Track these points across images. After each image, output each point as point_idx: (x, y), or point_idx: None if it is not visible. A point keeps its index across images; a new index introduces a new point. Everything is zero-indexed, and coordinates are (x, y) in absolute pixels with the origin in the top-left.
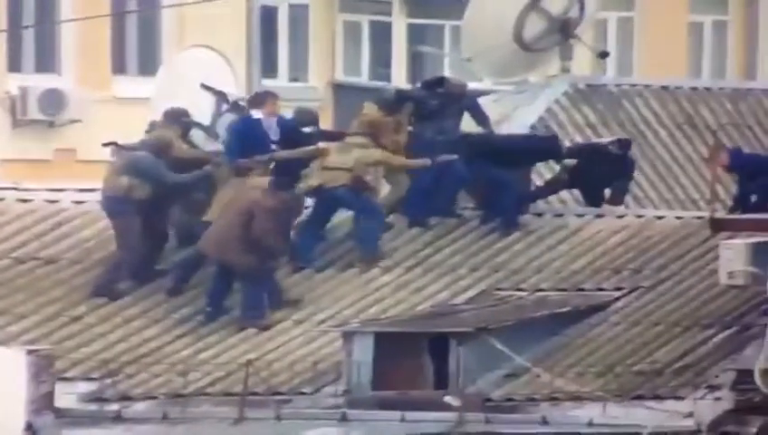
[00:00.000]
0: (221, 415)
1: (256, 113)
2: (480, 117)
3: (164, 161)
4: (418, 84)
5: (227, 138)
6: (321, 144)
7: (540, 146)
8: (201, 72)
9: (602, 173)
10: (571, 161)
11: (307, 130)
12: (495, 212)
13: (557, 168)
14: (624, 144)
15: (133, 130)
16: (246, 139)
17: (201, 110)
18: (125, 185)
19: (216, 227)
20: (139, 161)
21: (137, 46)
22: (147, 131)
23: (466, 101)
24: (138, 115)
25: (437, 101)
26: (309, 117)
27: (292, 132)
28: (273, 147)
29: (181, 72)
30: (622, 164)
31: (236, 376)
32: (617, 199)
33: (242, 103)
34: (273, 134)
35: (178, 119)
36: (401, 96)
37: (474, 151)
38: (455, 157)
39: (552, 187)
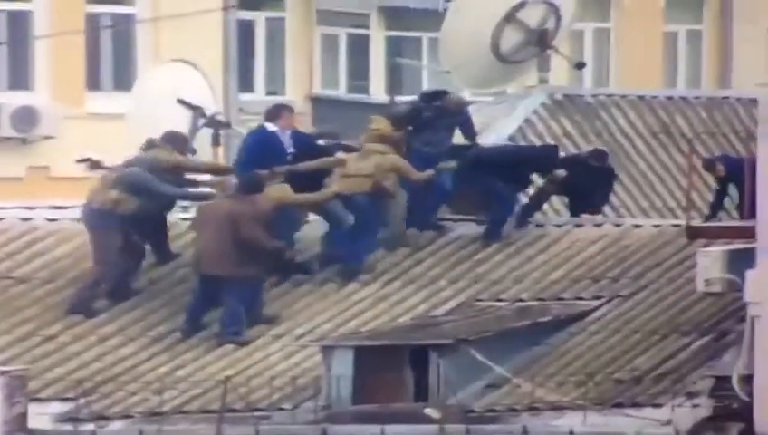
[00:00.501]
0: (199, 433)
1: (270, 126)
2: (469, 133)
3: (158, 177)
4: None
5: (240, 150)
6: (340, 154)
7: (539, 156)
8: (177, 86)
9: (584, 184)
10: (560, 172)
11: (322, 142)
12: (488, 222)
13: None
14: (600, 155)
15: (108, 147)
16: (261, 151)
17: (177, 125)
18: (113, 198)
19: (204, 243)
20: (132, 176)
21: (111, 61)
22: (143, 148)
23: (461, 118)
24: (112, 131)
25: (432, 113)
26: (328, 133)
27: (308, 146)
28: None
29: (157, 88)
30: (602, 175)
31: (214, 393)
32: (596, 210)
33: (219, 118)
34: (288, 147)
35: (177, 141)
36: (412, 112)
37: (471, 163)
38: (454, 163)
39: (541, 197)
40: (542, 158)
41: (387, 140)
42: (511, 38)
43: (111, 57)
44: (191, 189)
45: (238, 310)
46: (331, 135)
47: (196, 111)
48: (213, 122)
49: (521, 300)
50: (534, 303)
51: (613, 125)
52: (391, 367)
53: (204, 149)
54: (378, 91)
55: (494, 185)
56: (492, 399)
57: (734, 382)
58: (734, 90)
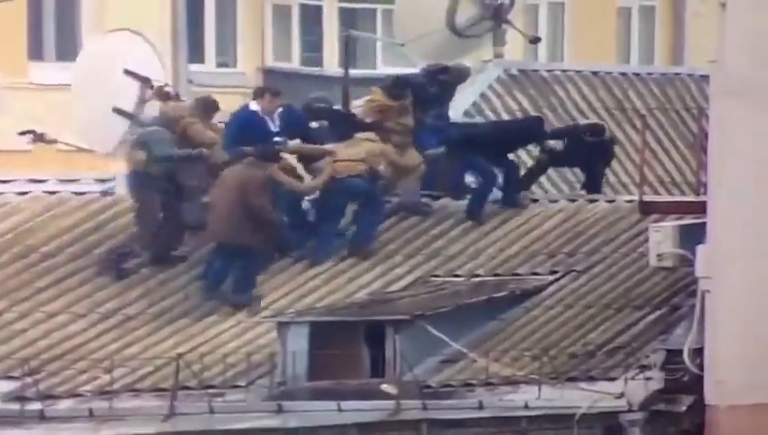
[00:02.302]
0: (151, 411)
1: (254, 105)
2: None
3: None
4: (420, 70)
5: (227, 127)
6: (330, 145)
7: (524, 128)
8: (124, 57)
9: (580, 157)
10: (554, 143)
11: (315, 125)
12: (473, 198)
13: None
14: (597, 129)
15: (52, 118)
16: (242, 129)
17: (124, 97)
18: (142, 160)
19: (219, 213)
20: (150, 136)
21: (54, 31)
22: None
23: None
24: (57, 102)
25: (438, 88)
26: (323, 111)
27: (299, 127)
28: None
29: (102, 58)
30: (598, 149)
31: (166, 371)
32: (594, 186)
33: (168, 89)
34: (273, 126)
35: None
36: (403, 81)
37: (461, 139)
38: (443, 149)
39: (535, 170)
40: (527, 130)
41: (384, 110)
42: (466, 12)
43: (54, 26)
44: (192, 150)
45: (250, 277)
46: (324, 100)
47: (144, 82)
48: (161, 94)
49: (477, 275)
50: (490, 278)
51: (567, 100)
52: (347, 343)
53: None
54: (331, 63)
55: (477, 161)
56: (448, 374)
57: (685, 356)
58: (686, 66)
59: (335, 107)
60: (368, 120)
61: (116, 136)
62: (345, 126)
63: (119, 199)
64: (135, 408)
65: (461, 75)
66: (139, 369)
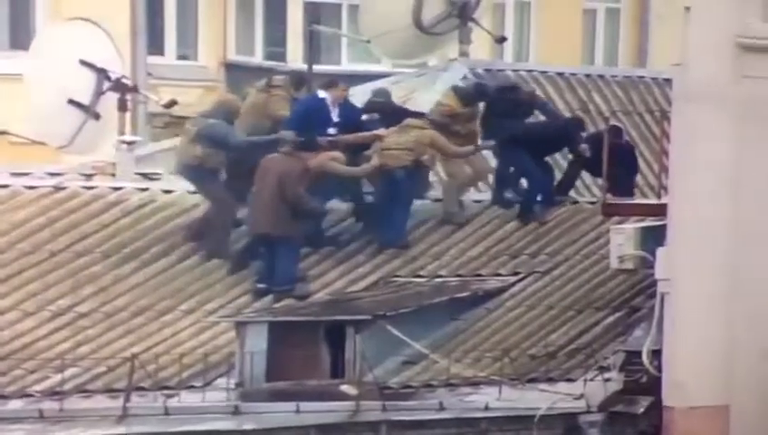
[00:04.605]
0: (104, 412)
1: (323, 93)
2: (549, 115)
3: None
4: (492, 83)
5: (294, 113)
6: (379, 131)
7: (569, 129)
8: (80, 47)
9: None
10: (584, 148)
11: (366, 117)
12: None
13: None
14: (616, 132)
15: (3, 109)
16: (307, 115)
17: (80, 88)
18: (198, 154)
19: (258, 204)
20: (210, 129)
21: (8, 18)
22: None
23: (536, 104)
24: (8, 93)
25: (507, 105)
26: (379, 104)
27: (352, 119)
28: (332, 130)
29: (57, 47)
30: (623, 153)
31: (120, 371)
32: (627, 190)
33: (126, 82)
34: (335, 116)
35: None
36: (480, 90)
37: (506, 141)
38: (493, 142)
39: (572, 174)
40: (570, 131)
41: (453, 113)
42: (432, 9)
43: (7, 13)
44: (262, 137)
45: (291, 266)
46: (383, 94)
47: (101, 73)
48: (119, 86)
49: (439, 276)
50: (453, 279)
51: None
52: (307, 343)
53: (110, 114)
54: (295, 58)
55: (527, 165)
56: (408, 375)
57: (644, 357)
58: (649, 69)
59: (390, 100)
60: (421, 114)
61: (71, 129)
62: (397, 119)
63: (72, 194)
64: (87, 409)
65: (526, 97)
66: (92, 369)
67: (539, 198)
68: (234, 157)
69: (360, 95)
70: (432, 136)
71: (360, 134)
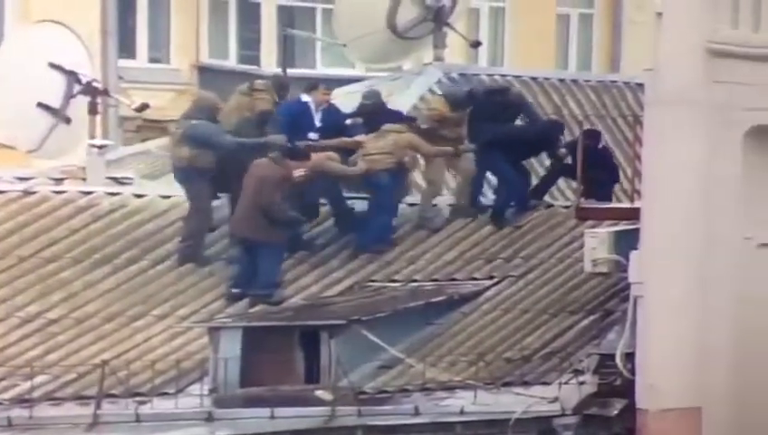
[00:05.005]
0: (74, 420)
1: (305, 97)
2: (531, 117)
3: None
4: (480, 87)
5: (279, 118)
6: (359, 137)
7: (548, 132)
8: (49, 49)
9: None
10: (563, 151)
11: (350, 121)
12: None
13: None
14: (593, 136)
15: None
16: (291, 119)
17: (49, 91)
18: (186, 155)
19: (240, 207)
20: (195, 130)
21: None
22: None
23: (521, 109)
24: None
25: (496, 108)
26: (370, 107)
27: (335, 123)
28: (313, 135)
29: (26, 50)
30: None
31: (91, 378)
32: (605, 194)
33: (96, 85)
34: (318, 120)
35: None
36: (470, 95)
37: (483, 145)
38: (473, 146)
39: (551, 178)
40: (546, 135)
41: (442, 118)
42: (407, 14)
43: None
44: (252, 140)
45: (271, 271)
46: (375, 96)
47: (71, 76)
48: (89, 89)
49: (414, 280)
50: (428, 283)
51: None
52: (281, 348)
53: (80, 117)
54: (269, 62)
55: (504, 169)
56: (384, 380)
57: (618, 360)
58: (622, 74)
59: (382, 102)
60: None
61: (40, 132)
62: (387, 122)
63: (42, 199)
64: (57, 416)
65: (516, 99)
66: (62, 376)
67: (512, 203)
68: (222, 156)
69: (339, 97)
70: (410, 138)
71: (340, 139)
